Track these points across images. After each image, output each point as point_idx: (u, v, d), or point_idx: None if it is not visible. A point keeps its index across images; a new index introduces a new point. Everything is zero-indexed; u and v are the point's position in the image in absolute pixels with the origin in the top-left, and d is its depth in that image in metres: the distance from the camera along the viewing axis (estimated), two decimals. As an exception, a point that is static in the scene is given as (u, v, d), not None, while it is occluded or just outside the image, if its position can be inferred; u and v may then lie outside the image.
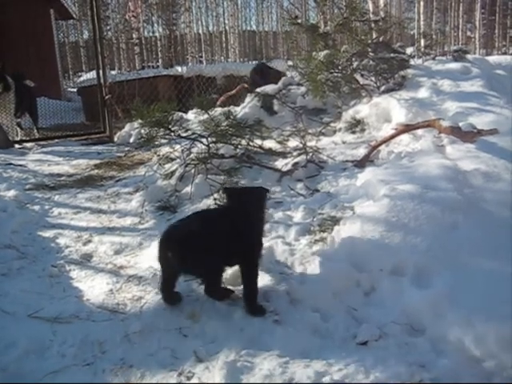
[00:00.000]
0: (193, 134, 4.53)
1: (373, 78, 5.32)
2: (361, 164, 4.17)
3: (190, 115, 7.61)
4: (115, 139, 7.17)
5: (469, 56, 6.07)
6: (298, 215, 3.52)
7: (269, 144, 4.86)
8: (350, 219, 3.17)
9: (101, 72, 7.32)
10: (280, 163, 4.45)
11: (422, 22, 26.69)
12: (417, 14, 26.74)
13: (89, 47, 36.03)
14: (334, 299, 2.75)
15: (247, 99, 5.63)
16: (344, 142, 4.75)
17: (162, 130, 4.08)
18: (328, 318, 2.64)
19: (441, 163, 3.64)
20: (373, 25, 5.32)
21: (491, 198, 3.36)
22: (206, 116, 7.11)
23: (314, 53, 5.04)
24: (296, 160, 4.31)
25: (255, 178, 4.16)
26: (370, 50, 5.27)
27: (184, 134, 4.43)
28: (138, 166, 5.11)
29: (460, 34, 29.85)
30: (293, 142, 4.86)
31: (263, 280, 2.88)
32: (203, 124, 4.43)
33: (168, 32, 40.36)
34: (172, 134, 4.15)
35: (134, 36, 26.27)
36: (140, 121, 4.05)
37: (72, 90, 15.47)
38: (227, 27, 28.77)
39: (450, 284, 2.72)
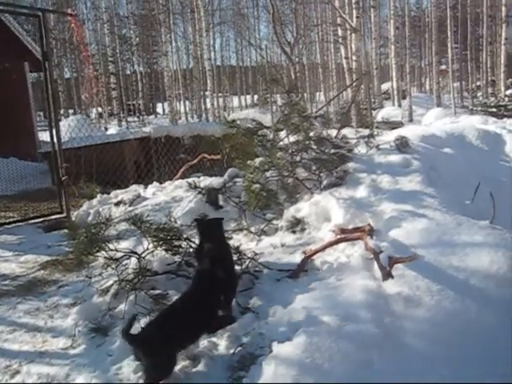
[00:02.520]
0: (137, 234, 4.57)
1: (316, 171, 5.41)
2: (294, 275, 4.24)
3: (149, 191, 7.69)
4: (73, 218, 7.20)
5: (412, 143, 6.18)
6: (222, 344, 3.57)
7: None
8: (266, 360, 3.20)
9: (55, 139, 7.32)
10: (218, 271, 4.52)
11: (393, 61, 27.14)
12: (390, 51, 27.06)
13: (69, 87, 36.37)
14: None
15: (191, 196, 5.68)
16: (283, 245, 4.81)
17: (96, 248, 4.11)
18: None
19: (365, 286, 3.71)
20: (314, 121, 5.43)
21: (409, 328, 3.43)
22: (162, 195, 7.30)
23: (248, 161, 5.14)
24: (231, 271, 4.36)
25: (190, 292, 4.21)
26: (312, 143, 5.37)
27: (124, 243, 4.50)
28: (83, 267, 5.12)
29: (434, 70, 30.62)
30: (234, 242, 4.92)
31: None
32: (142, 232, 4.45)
33: (149, 71, 40.87)
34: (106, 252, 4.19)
35: (111, 80, 26.61)
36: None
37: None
38: (206, 65, 29.31)
39: None
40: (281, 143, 5.53)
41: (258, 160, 5.15)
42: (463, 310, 3.59)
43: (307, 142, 5.28)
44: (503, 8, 24.00)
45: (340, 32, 20.76)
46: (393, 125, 18.69)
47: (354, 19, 18.95)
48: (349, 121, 17.31)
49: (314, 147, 5.44)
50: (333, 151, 5.43)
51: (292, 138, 5.42)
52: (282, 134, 5.56)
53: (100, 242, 4.18)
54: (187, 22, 37.88)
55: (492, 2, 27.71)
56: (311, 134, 5.43)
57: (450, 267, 3.89)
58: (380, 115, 26.17)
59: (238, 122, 5.37)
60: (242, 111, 31.63)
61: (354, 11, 19.18)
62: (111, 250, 4.31)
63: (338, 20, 21.39)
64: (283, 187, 5.14)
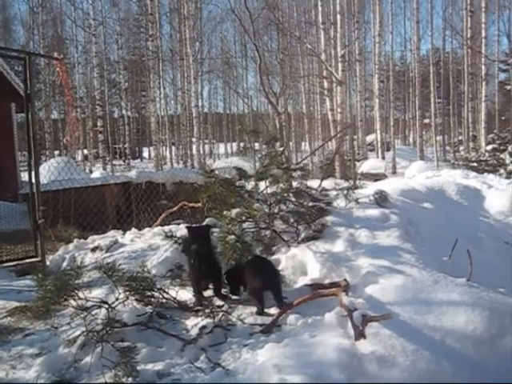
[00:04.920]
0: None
1: (294, 224, 5.38)
2: (268, 330, 4.14)
3: (127, 237, 7.58)
4: (48, 263, 7.05)
5: (391, 197, 6.21)
6: (189, 403, 3.43)
7: (184, 295, 4.83)
8: (233, 422, 3.10)
9: (34, 181, 7.25)
10: (191, 322, 4.42)
11: (377, 113, 27.77)
12: (375, 104, 27.66)
13: (56, 128, 36.46)
14: None
15: (166, 245, 5.60)
16: (258, 298, 4.72)
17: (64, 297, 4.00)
18: None
19: (338, 344, 3.61)
20: (293, 173, 5.45)
21: (382, 390, 3.34)
22: (140, 242, 7.22)
23: (225, 211, 5.10)
24: (204, 323, 4.26)
25: (159, 345, 4.07)
26: (291, 195, 5.36)
27: (96, 291, 4.39)
28: (51, 315, 4.95)
29: (417, 123, 31.28)
30: (209, 292, 4.85)
31: None
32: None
33: (137, 115, 41.24)
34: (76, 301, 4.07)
35: (98, 124, 26.74)
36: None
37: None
38: (193, 112, 29.60)
39: None
40: (259, 194, 5.51)
41: (234, 211, 5.11)
42: (439, 371, 3.51)
43: (285, 194, 5.27)
44: (483, 67, 24.73)
45: (326, 84, 21.20)
46: (376, 177, 18.92)
47: (340, 72, 19.41)
48: (333, 171, 17.49)
49: (293, 199, 5.42)
50: (311, 204, 5.42)
51: (270, 190, 5.40)
52: (262, 184, 5.54)
53: (69, 290, 4.05)
54: (176, 69, 38.55)
55: (473, 60, 28.57)
56: (292, 184, 5.42)
57: (426, 326, 3.83)
58: (364, 167, 26.51)
59: (217, 172, 5.37)
60: (226, 158, 31.83)
61: (340, 64, 19.67)
62: (80, 298, 4.18)
63: (324, 72, 21.90)
64: (259, 239, 5.08)
